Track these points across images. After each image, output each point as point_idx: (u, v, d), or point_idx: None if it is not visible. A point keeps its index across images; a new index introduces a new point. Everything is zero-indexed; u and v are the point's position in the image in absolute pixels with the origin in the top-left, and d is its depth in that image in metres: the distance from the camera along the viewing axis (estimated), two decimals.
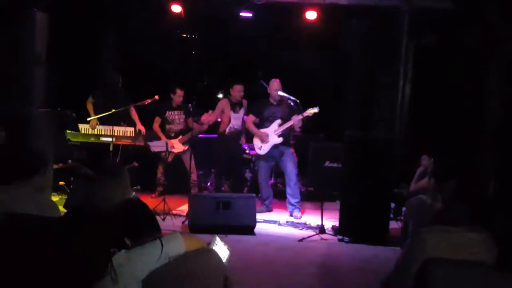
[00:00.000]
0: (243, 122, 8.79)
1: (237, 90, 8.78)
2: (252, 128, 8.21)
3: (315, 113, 7.81)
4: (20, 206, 3.15)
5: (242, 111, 8.87)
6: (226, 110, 8.85)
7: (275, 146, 8.04)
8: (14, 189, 3.27)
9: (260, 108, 8.22)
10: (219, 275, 2.70)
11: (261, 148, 8.11)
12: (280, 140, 7.99)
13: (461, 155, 6.98)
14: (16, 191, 3.27)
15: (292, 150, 8.17)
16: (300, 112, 7.84)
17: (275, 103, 8.13)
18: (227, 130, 8.88)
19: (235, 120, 8.88)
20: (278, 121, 8.02)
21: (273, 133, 8.01)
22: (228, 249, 3.01)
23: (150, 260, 2.52)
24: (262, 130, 8.10)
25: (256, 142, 8.19)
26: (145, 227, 2.68)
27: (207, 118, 8.62)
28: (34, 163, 3.45)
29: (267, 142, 8.05)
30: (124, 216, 2.70)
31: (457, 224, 3.07)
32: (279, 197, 8.97)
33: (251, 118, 8.29)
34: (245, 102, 8.94)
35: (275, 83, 8.08)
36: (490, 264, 2.95)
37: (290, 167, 8.03)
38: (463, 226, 3.07)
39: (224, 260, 2.89)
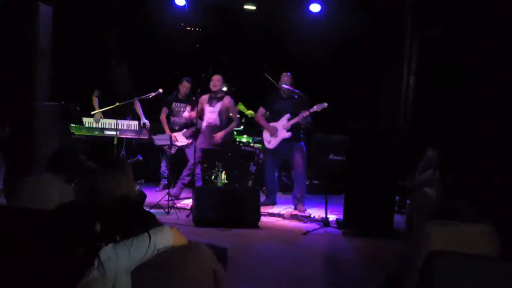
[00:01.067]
0: (224, 116, 8.48)
1: (214, 81, 8.35)
2: (262, 121, 8.20)
3: (323, 108, 7.77)
4: (45, 192, 3.90)
5: (218, 105, 8.36)
6: (204, 104, 8.49)
7: (284, 141, 8.01)
8: (46, 178, 4.07)
9: (270, 101, 8.19)
10: (207, 267, 2.70)
11: (270, 142, 8.10)
12: (289, 134, 7.95)
13: (466, 147, 6.96)
14: (47, 179, 4.04)
15: (302, 144, 8.10)
16: (309, 106, 7.80)
17: (285, 97, 8.09)
18: (203, 125, 8.51)
19: (209, 114, 8.41)
20: (288, 115, 7.98)
21: (282, 128, 7.99)
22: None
23: (138, 253, 2.52)
24: (272, 124, 8.08)
25: (266, 135, 8.17)
26: (138, 226, 2.68)
27: (189, 114, 8.56)
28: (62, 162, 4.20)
29: (276, 136, 8.02)
30: (117, 215, 2.70)
31: (460, 216, 3.07)
32: (284, 190, 8.98)
33: (261, 111, 8.27)
34: (227, 98, 8.46)
35: (285, 77, 8.05)
36: (494, 256, 2.95)
37: (299, 161, 8.01)
38: (467, 218, 3.06)
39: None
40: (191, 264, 2.65)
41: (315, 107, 7.76)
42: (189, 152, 8.38)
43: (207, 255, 2.78)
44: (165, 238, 2.62)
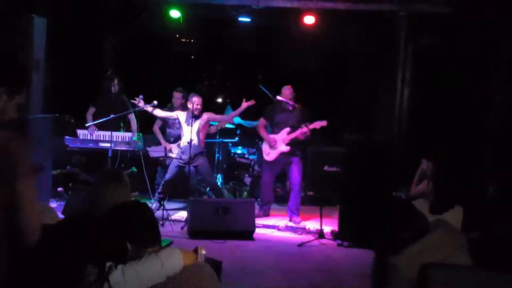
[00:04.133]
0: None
1: (195, 103, 7.80)
2: (263, 132, 8.19)
3: (322, 127, 7.77)
4: None
5: (196, 124, 7.89)
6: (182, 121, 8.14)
7: (282, 154, 8.01)
8: None
9: (272, 113, 8.18)
10: None
11: (269, 154, 8.09)
12: (287, 149, 7.94)
13: (461, 158, 6.98)
14: None
15: (299, 158, 8.09)
16: (310, 121, 7.79)
17: (287, 110, 8.08)
18: (182, 142, 8.14)
19: (187, 134, 7.92)
20: (288, 129, 7.97)
21: (281, 141, 7.98)
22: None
23: (148, 278, 2.50)
24: (272, 136, 8.08)
25: (265, 147, 8.17)
26: (147, 232, 2.66)
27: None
28: None
29: (275, 149, 8.02)
30: (125, 219, 2.68)
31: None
32: (278, 201, 8.97)
33: (262, 121, 8.26)
34: (205, 115, 8.03)
35: (287, 90, 8.04)
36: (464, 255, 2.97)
37: (296, 175, 8.01)
38: (438, 228, 3.08)
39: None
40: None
41: (314, 124, 7.76)
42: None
43: (211, 276, 2.77)
44: (176, 264, 2.60)
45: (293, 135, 7.92)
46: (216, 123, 8.75)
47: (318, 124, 7.76)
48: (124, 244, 2.56)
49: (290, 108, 7.96)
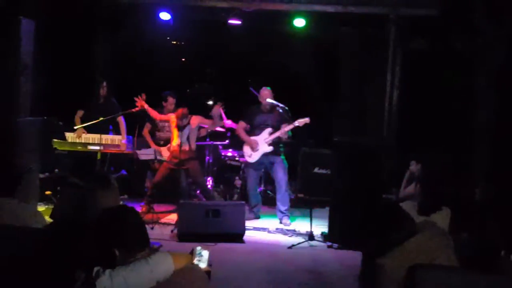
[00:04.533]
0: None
1: (183, 114, 8.06)
2: (243, 135, 8.18)
3: (305, 124, 7.78)
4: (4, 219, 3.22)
5: (186, 129, 8.10)
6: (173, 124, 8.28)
7: (265, 155, 8.01)
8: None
9: (251, 115, 8.18)
10: None
11: (251, 155, 8.08)
12: (270, 149, 7.95)
13: (449, 159, 7.00)
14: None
15: (282, 158, 8.10)
16: (290, 121, 7.81)
17: (266, 111, 8.11)
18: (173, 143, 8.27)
19: (177, 138, 8.05)
20: (269, 129, 7.98)
21: (263, 141, 7.98)
22: (209, 255, 2.96)
23: (136, 283, 2.48)
24: (252, 138, 8.07)
25: (246, 149, 8.15)
26: (135, 236, 2.64)
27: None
28: (12, 176, 3.50)
29: (257, 150, 8.02)
30: (113, 223, 2.66)
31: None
32: (269, 204, 8.95)
33: (241, 124, 8.24)
34: (193, 119, 8.19)
35: (266, 91, 8.07)
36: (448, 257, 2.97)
37: (281, 175, 8.00)
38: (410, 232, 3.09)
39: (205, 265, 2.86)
40: None
41: (296, 122, 7.77)
42: None
43: (203, 279, 2.76)
44: (166, 270, 2.57)
45: (275, 134, 7.91)
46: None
47: (301, 122, 7.77)
48: (111, 250, 2.54)
49: (280, 110, 7.95)
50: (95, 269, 2.44)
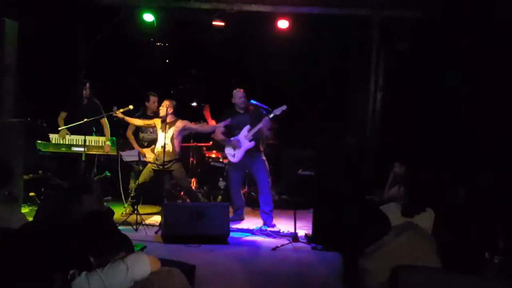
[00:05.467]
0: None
1: (165, 107, 7.94)
2: (222, 137, 8.17)
3: (283, 111, 7.78)
4: None
5: (170, 132, 7.96)
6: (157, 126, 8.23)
7: (247, 153, 7.99)
8: None
9: (226, 117, 8.19)
10: None
11: (235, 155, 8.06)
12: (252, 144, 7.92)
13: (433, 162, 7.06)
14: None
15: (263, 157, 8.12)
16: (268, 113, 7.84)
17: (241, 112, 8.13)
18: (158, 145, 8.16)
19: (161, 139, 7.96)
20: (247, 127, 7.99)
21: (244, 138, 7.97)
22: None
23: (113, 283, 2.48)
24: (233, 138, 8.07)
25: (229, 150, 8.13)
26: (109, 243, 2.64)
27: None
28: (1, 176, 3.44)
29: (239, 147, 8.01)
30: (87, 232, 2.66)
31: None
32: (252, 205, 8.96)
33: (219, 129, 8.25)
34: (180, 122, 8.08)
35: (239, 93, 8.11)
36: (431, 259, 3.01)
37: (262, 175, 8.01)
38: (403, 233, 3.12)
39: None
40: None
41: (275, 110, 7.79)
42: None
43: (181, 280, 2.76)
44: (142, 269, 2.58)
45: (255, 129, 7.91)
46: None
47: (279, 110, 7.78)
48: (86, 257, 2.54)
49: (264, 111, 7.98)
50: (71, 272, 2.45)
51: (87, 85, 8.61)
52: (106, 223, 2.74)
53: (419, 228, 3.31)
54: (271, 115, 7.80)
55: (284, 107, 7.77)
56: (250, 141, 7.94)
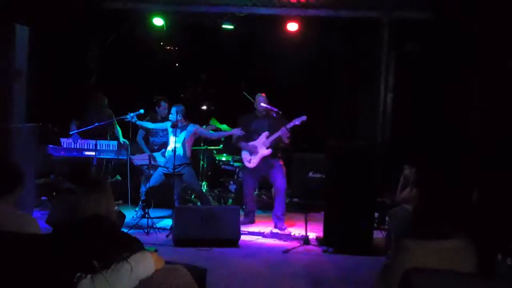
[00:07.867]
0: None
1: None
2: (241, 142, 8.18)
3: (302, 122, 7.78)
4: None
5: (182, 136, 8.12)
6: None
7: (264, 158, 8.00)
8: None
9: (247, 122, 8.18)
10: None
11: (250, 161, 8.06)
12: (269, 151, 7.94)
13: (444, 163, 7.02)
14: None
15: (281, 162, 8.11)
16: (286, 122, 7.83)
17: (261, 116, 8.12)
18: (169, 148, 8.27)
19: (172, 143, 8.09)
20: (266, 133, 7.98)
21: (261, 145, 7.97)
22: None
23: (119, 284, 2.48)
24: (251, 143, 8.07)
25: (245, 155, 8.13)
26: (110, 245, 2.65)
27: None
28: (11, 179, 3.43)
29: (256, 154, 8.01)
30: (90, 235, 2.67)
31: (436, 233, 3.08)
32: (264, 208, 8.96)
33: (234, 135, 8.25)
34: (191, 127, 8.24)
35: (261, 97, 8.09)
36: (471, 271, 2.96)
37: (280, 180, 7.99)
38: (445, 234, 3.08)
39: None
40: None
41: (295, 120, 7.78)
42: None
43: (186, 277, 2.76)
44: (147, 267, 2.59)
45: (273, 136, 7.91)
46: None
47: (298, 120, 7.77)
48: (90, 262, 2.55)
49: (274, 115, 7.98)
50: (77, 274, 2.46)
51: (99, 94, 8.65)
52: (106, 225, 2.74)
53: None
54: (291, 125, 7.78)
55: (304, 118, 7.75)
56: (267, 148, 7.94)
